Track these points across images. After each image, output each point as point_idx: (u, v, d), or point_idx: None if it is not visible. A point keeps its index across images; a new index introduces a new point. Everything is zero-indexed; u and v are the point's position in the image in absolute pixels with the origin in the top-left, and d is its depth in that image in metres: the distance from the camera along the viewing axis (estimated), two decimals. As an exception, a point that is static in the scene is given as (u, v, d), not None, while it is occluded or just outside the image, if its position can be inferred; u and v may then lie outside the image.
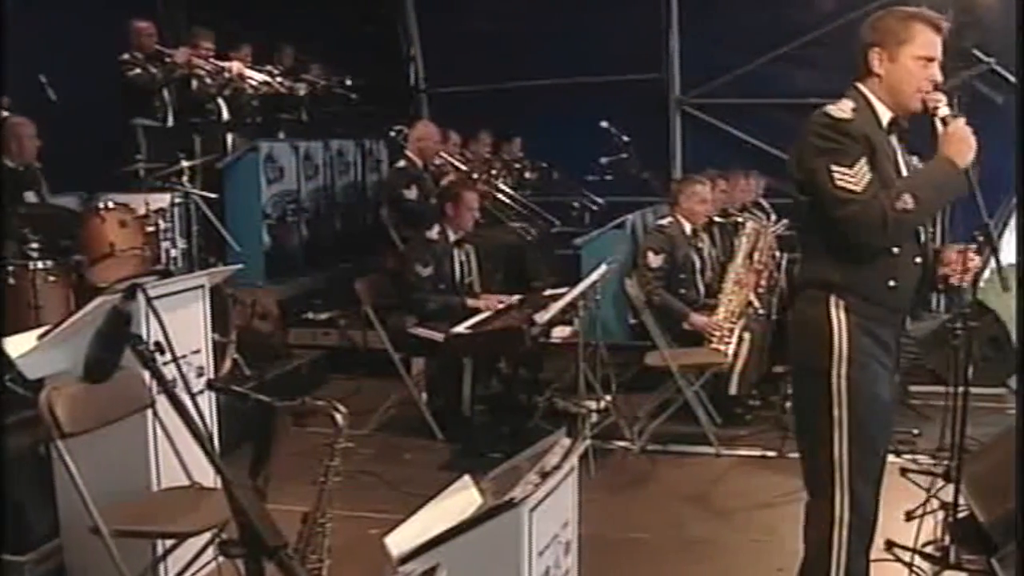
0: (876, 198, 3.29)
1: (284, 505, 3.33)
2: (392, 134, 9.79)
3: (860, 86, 3.48)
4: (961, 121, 3.42)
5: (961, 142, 3.38)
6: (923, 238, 3.57)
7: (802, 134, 3.46)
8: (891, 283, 3.44)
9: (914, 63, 3.40)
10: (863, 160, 3.32)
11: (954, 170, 3.37)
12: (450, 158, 9.24)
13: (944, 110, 3.43)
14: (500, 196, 9.51)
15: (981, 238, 4.39)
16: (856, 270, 3.45)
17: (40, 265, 5.63)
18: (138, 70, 8.24)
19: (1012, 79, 9.29)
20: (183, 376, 2.57)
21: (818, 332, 3.46)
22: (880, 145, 3.39)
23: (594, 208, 10.32)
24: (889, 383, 3.59)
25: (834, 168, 3.30)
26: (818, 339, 3.46)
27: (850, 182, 3.29)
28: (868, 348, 3.45)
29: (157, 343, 2.27)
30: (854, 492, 3.49)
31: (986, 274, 7.81)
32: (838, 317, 3.44)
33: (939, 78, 3.44)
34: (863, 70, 3.47)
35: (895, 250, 3.42)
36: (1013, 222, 12.59)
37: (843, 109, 3.39)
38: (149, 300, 2.48)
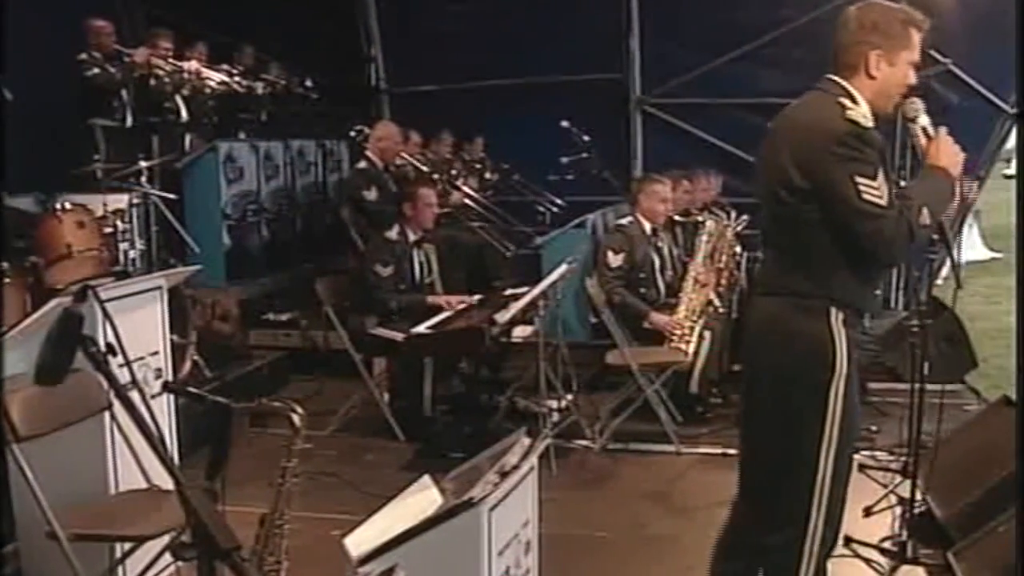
0: (902, 214, 3.18)
1: (243, 507, 3.30)
2: (352, 134, 9.75)
3: (847, 85, 3.34)
4: (943, 131, 3.40)
5: (951, 152, 3.36)
6: None
7: (804, 137, 3.29)
8: (876, 293, 3.44)
9: (907, 69, 3.36)
10: (881, 170, 3.20)
11: (950, 180, 3.35)
12: (411, 159, 9.23)
13: (924, 119, 3.42)
14: (460, 197, 9.50)
15: (937, 236, 4.43)
16: (858, 282, 3.36)
17: (-6, 267, 5.57)
18: (96, 70, 8.16)
19: (968, 80, 9.41)
20: (135, 379, 2.54)
21: (818, 346, 3.31)
22: (885, 151, 3.29)
23: (553, 210, 10.33)
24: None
25: (860, 180, 3.15)
26: (817, 353, 3.31)
27: (876, 196, 3.15)
28: (854, 360, 3.36)
29: (109, 345, 2.24)
30: (830, 513, 3.39)
31: (943, 272, 7.90)
32: (839, 331, 3.31)
33: (915, 81, 3.39)
34: (855, 69, 3.34)
35: None
36: (970, 219, 12.76)
37: (865, 115, 3.26)
38: (100, 302, 2.46)
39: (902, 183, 7.20)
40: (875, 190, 3.15)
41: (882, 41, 3.31)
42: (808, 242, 3.31)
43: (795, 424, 3.36)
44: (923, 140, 3.43)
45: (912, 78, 3.37)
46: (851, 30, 3.34)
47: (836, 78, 3.36)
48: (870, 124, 3.24)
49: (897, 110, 3.42)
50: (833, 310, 3.31)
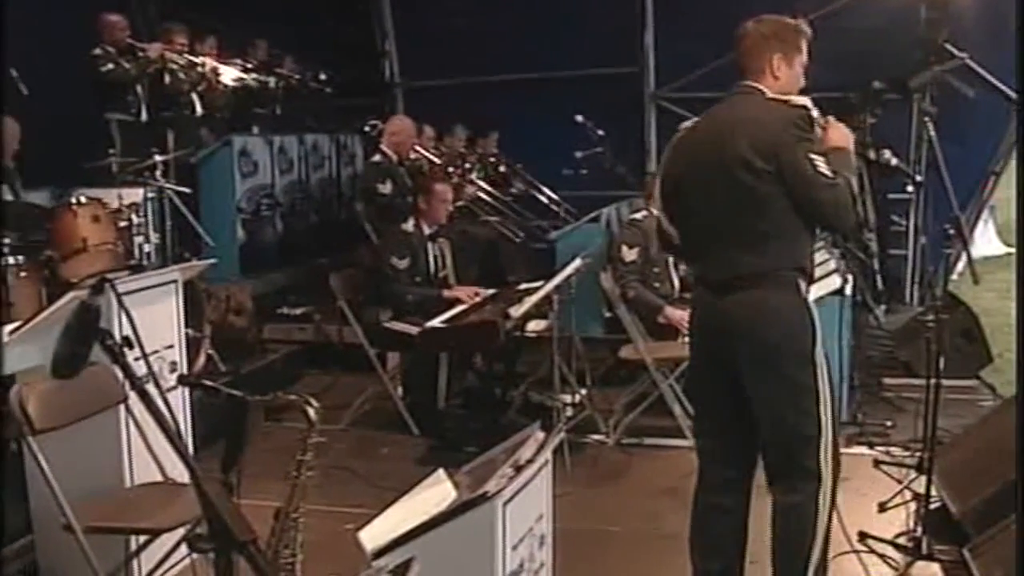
0: (846, 183, 3.56)
1: (257, 500, 3.31)
2: (367, 128, 9.76)
3: (758, 85, 3.76)
4: (831, 119, 3.79)
5: (842, 134, 3.75)
6: None
7: (760, 126, 3.62)
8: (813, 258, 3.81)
9: (799, 70, 3.80)
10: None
11: (851, 154, 3.75)
12: (424, 152, 9.23)
13: (815, 112, 3.69)
14: (473, 191, 9.51)
15: (953, 231, 4.42)
16: (807, 251, 3.73)
17: (12, 261, 5.58)
18: (111, 65, 8.17)
19: (984, 74, 9.35)
20: (152, 371, 2.55)
21: (799, 316, 3.65)
22: None
23: (560, 212, 10.31)
24: None
25: (813, 157, 3.53)
26: (800, 323, 3.64)
27: (827, 169, 3.54)
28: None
29: (126, 338, 2.25)
30: (835, 462, 3.72)
31: (958, 267, 7.87)
32: (807, 299, 3.67)
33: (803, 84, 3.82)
34: (763, 73, 3.75)
35: None
36: (985, 214, 12.71)
37: (804, 101, 3.65)
38: (118, 294, 2.46)
39: (918, 177, 7.20)
40: (826, 165, 3.55)
41: (780, 47, 3.75)
42: (772, 218, 3.62)
43: (795, 392, 3.66)
44: (819, 131, 3.72)
45: (801, 79, 3.81)
46: (754, 40, 3.79)
47: (751, 83, 3.78)
48: (812, 109, 3.63)
49: None
50: (800, 282, 3.67)
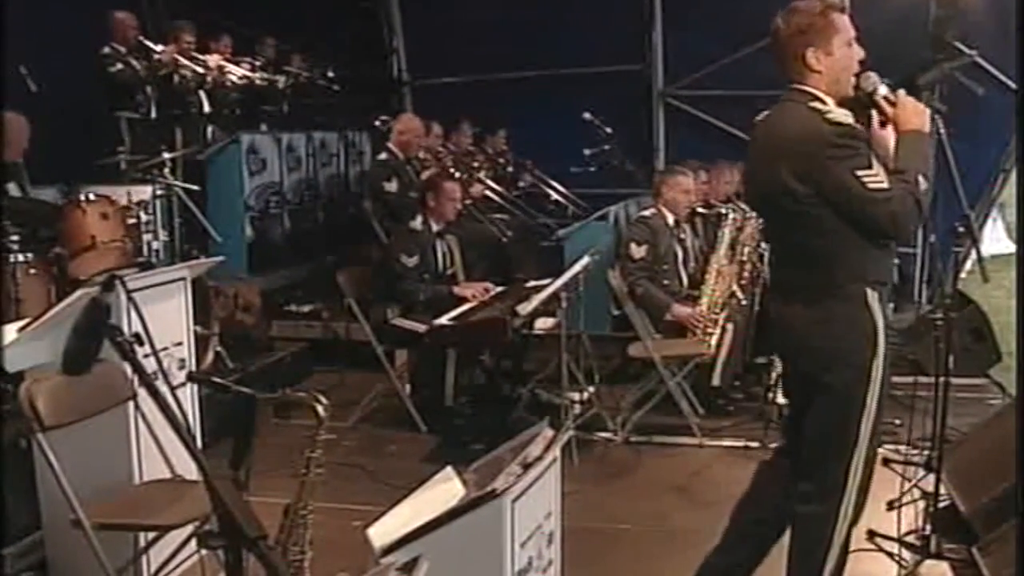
0: (905, 190, 3.34)
1: (266, 497, 3.32)
2: (377, 124, 9.77)
3: (806, 88, 3.51)
4: (902, 93, 3.54)
5: (918, 111, 3.50)
6: None
7: (798, 149, 3.43)
8: (894, 261, 3.68)
9: (847, 50, 3.51)
10: (873, 158, 3.39)
11: (927, 138, 3.50)
12: (434, 156, 9.25)
13: (883, 88, 3.54)
14: (481, 189, 9.52)
15: (962, 229, 4.41)
16: (882, 260, 3.56)
17: (21, 258, 5.59)
18: (120, 65, 8.19)
19: (994, 71, 9.32)
20: (162, 368, 2.55)
21: (861, 328, 3.50)
22: (869, 139, 3.46)
23: (571, 208, 10.31)
24: None
25: (860, 173, 3.33)
26: (861, 334, 3.50)
27: (878, 182, 3.34)
28: (890, 336, 3.55)
29: (136, 335, 2.25)
30: (863, 478, 3.60)
31: (967, 265, 7.86)
32: (877, 310, 3.50)
33: (863, 55, 3.54)
34: (802, 71, 3.51)
35: None
36: (995, 212, 12.68)
37: (845, 113, 3.43)
38: (128, 291, 2.47)
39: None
40: (876, 177, 3.34)
41: (811, 39, 3.48)
42: (828, 237, 3.46)
43: (841, 403, 3.54)
44: (888, 108, 3.54)
45: (857, 54, 3.53)
46: (781, 40, 3.55)
47: (796, 85, 3.54)
48: (851, 120, 3.40)
49: (858, 90, 3.56)
50: (868, 291, 3.49)
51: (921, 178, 3.36)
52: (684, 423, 6.49)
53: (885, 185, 3.34)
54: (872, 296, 3.49)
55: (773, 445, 4.20)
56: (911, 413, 6.27)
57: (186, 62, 8.62)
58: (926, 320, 7.50)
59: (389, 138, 8.65)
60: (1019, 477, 3.98)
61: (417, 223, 7.01)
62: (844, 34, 3.51)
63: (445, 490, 3.34)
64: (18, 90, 7.22)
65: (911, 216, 3.36)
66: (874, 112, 3.59)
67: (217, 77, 8.99)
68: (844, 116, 3.41)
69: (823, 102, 3.45)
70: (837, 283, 3.51)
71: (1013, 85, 9.41)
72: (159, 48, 8.47)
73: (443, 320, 6.36)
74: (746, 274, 7.29)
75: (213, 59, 8.92)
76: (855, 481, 3.57)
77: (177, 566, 4.12)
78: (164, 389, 2.22)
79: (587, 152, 9.18)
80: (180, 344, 4.85)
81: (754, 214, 8.01)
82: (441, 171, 8.68)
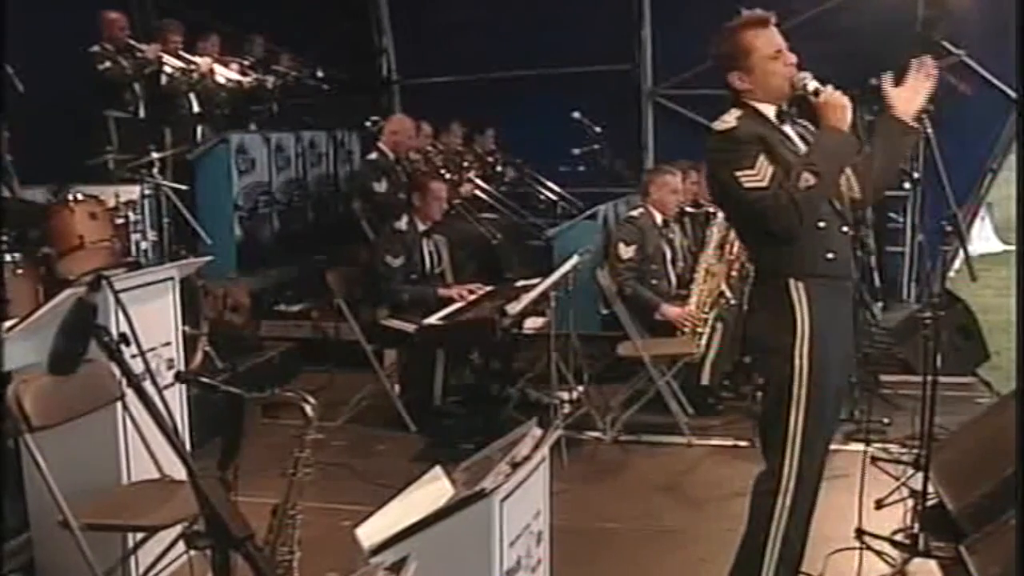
0: (781, 186, 3.48)
1: (254, 497, 3.30)
2: (368, 124, 9.76)
3: (743, 100, 3.67)
4: (830, 88, 3.60)
5: (837, 108, 3.57)
6: (840, 207, 3.71)
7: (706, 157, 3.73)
8: (829, 255, 3.64)
9: (769, 63, 3.62)
10: (761, 157, 3.52)
11: (841, 136, 3.57)
12: (424, 157, 9.26)
13: (812, 83, 3.61)
14: (470, 189, 9.52)
15: (950, 228, 4.42)
16: (798, 251, 3.61)
17: (8, 258, 5.57)
18: (108, 63, 8.16)
19: (981, 71, 9.36)
20: (148, 369, 2.54)
21: (782, 313, 3.62)
22: (774, 139, 3.59)
23: (563, 205, 10.31)
24: (844, 365, 3.86)
25: (738, 174, 3.52)
26: (782, 320, 3.62)
27: (755, 180, 3.50)
28: (827, 325, 3.62)
29: (123, 335, 2.24)
30: (801, 467, 3.63)
31: (956, 264, 7.88)
32: (798, 297, 3.60)
33: (795, 59, 3.64)
34: (737, 91, 3.67)
35: (820, 224, 3.60)
36: (983, 211, 12.72)
37: (726, 121, 3.61)
38: (114, 291, 2.46)
39: (915, 174, 7.18)
40: (754, 176, 3.51)
41: (730, 62, 3.67)
42: (748, 233, 3.80)
43: (771, 386, 3.74)
44: (815, 101, 3.63)
45: (782, 64, 3.63)
46: (717, 64, 3.74)
47: (739, 100, 3.69)
48: (730, 125, 3.59)
49: (794, 89, 3.66)
50: (791, 281, 3.61)
51: (807, 173, 3.45)
52: (673, 422, 6.50)
53: (763, 184, 3.49)
54: (795, 285, 3.60)
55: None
56: (899, 412, 6.32)
57: (171, 60, 8.59)
58: (914, 319, 7.53)
59: (379, 138, 8.63)
60: (1019, 472, 3.99)
61: (402, 223, 7.01)
62: (762, 51, 3.63)
63: (434, 490, 3.34)
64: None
65: (784, 212, 3.47)
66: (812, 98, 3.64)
67: (207, 77, 8.96)
68: (724, 123, 3.60)
69: (754, 110, 3.64)
70: (764, 273, 3.76)
71: (1000, 85, 9.46)
72: (144, 47, 8.43)
73: (432, 320, 6.36)
74: (735, 273, 7.28)
75: (203, 60, 8.89)
76: (792, 472, 3.63)
77: (166, 567, 4.11)
78: (152, 389, 2.22)
79: (576, 151, 9.18)
80: (169, 344, 4.84)
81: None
82: (430, 171, 8.69)
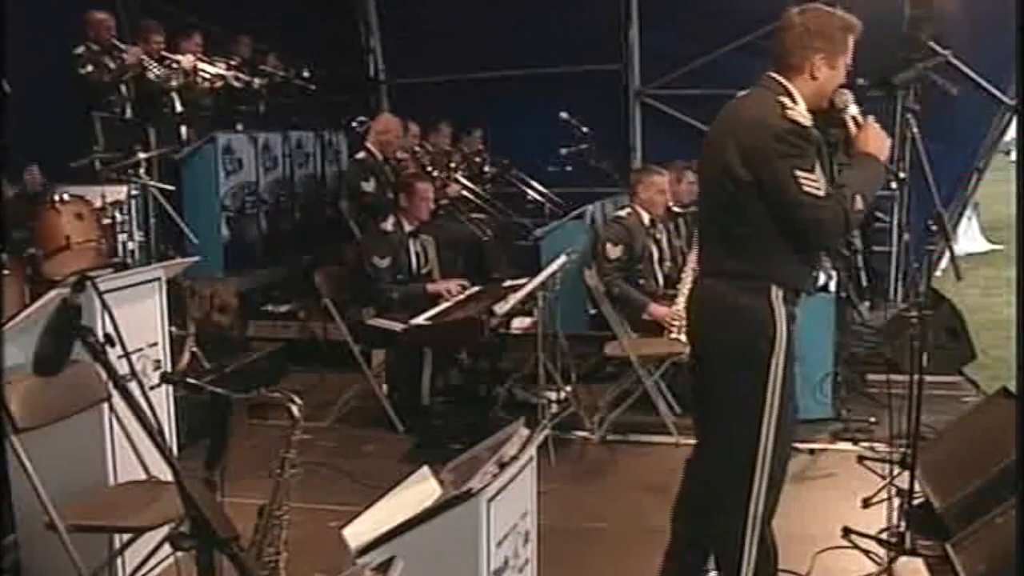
0: (838, 203, 3.39)
1: (241, 498, 3.30)
2: (355, 124, 9.75)
3: (787, 84, 3.54)
4: (871, 119, 3.60)
5: (879, 138, 3.56)
6: None
7: (747, 133, 3.49)
8: (813, 273, 3.69)
9: (841, 72, 3.57)
10: (817, 164, 3.43)
11: (880, 166, 3.57)
12: (413, 157, 9.25)
13: (853, 108, 3.61)
14: (458, 189, 9.53)
15: (935, 227, 4.43)
16: (796, 264, 3.59)
17: (-6, 259, 5.56)
18: (90, 67, 8.09)
19: (968, 71, 9.38)
20: (133, 370, 2.54)
21: (759, 320, 3.52)
22: (822, 146, 3.52)
23: (549, 206, 10.30)
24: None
25: (799, 174, 3.37)
26: (759, 327, 3.52)
27: (815, 187, 3.38)
28: (791, 337, 3.57)
29: (107, 336, 2.24)
30: (770, 489, 3.59)
31: (942, 263, 7.91)
32: (779, 308, 3.53)
33: (844, 79, 3.62)
34: (798, 70, 3.53)
35: None
36: (969, 211, 12.76)
37: (803, 115, 3.47)
38: (99, 292, 2.45)
39: (901, 174, 7.20)
40: (814, 182, 3.38)
41: (825, 46, 3.52)
42: (752, 228, 3.53)
43: (739, 398, 3.57)
44: (853, 128, 3.61)
45: (843, 76, 3.59)
46: (797, 34, 3.53)
47: (778, 77, 3.56)
48: (808, 122, 3.45)
49: (831, 105, 3.62)
50: (774, 288, 3.53)
51: (858, 198, 3.41)
52: (661, 422, 6.50)
53: (820, 192, 3.38)
54: (776, 293, 3.53)
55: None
56: (886, 411, 6.33)
57: (153, 64, 8.54)
58: (901, 318, 7.54)
59: (367, 138, 8.62)
60: (1019, 465, 4.00)
61: (388, 224, 7.02)
62: (848, 56, 3.57)
63: (421, 490, 3.34)
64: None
65: (836, 228, 3.44)
66: (850, 121, 3.61)
67: (190, 78, 8.92)
68: (802, 116, 3.45)
69: (794, 100, 3.49)
70: (746, 273, 3.56)
71: (986, 85, 9.49)
72: (126, 49, 8.39)
73: (420, 320, 6.36)
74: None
75: (187, 59, 8.84)
76: (762, 478, 3.56)
77: (152, 568, 4.10)
78: (137, 390, 2.21)
79: (564, 151, 9.18)
80: (155, 345, 4.83)
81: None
82: (417, 171, 8.68)
